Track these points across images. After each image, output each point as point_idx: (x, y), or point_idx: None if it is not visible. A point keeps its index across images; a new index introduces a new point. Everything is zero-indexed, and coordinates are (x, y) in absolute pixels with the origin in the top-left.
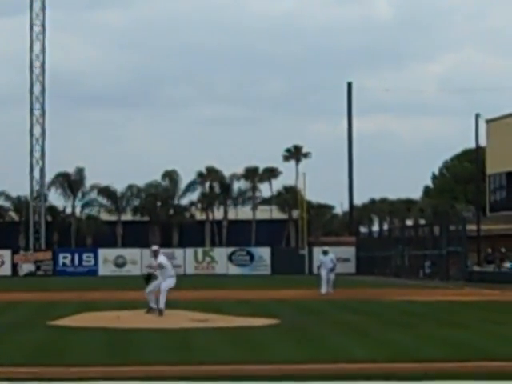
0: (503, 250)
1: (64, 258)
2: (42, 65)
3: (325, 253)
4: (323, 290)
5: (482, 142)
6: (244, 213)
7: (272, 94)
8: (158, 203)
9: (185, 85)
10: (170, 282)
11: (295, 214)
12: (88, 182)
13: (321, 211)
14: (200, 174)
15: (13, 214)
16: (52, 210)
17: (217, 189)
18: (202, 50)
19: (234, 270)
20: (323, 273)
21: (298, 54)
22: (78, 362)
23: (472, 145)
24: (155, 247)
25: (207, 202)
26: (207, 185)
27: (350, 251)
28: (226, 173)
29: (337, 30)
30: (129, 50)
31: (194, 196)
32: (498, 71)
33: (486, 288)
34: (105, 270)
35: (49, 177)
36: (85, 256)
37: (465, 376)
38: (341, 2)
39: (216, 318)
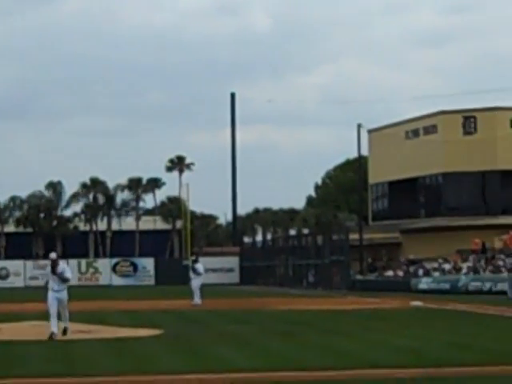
0: (385, 258)
1: None
2: None
3: (195, 261)
4: (199, 299)
5: (365, 152)
6: (128, 223)
7: (154, 104)
8: (42, 214)
9: (67, 96)
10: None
11: (179, 224)
12: None
13: (205, 221)
14: (84, 185)
15: None
16: None
17: (101, 200)
18: (83, 61)
19: (117, 280)
20: (198, 282)
21: (179, 65)
22: None
23: (354, 155)
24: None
25: (91, 212)
26: (91, 196)
27: (233, 261)
28: (110, 184)
29: (217, 41)
30: (8, 61)
31: (78, 207)
32: (377, 82)
33: (368, 296)
34: None
35: None
36: None
37: None
38: (220, 15)
39: (100, 329)
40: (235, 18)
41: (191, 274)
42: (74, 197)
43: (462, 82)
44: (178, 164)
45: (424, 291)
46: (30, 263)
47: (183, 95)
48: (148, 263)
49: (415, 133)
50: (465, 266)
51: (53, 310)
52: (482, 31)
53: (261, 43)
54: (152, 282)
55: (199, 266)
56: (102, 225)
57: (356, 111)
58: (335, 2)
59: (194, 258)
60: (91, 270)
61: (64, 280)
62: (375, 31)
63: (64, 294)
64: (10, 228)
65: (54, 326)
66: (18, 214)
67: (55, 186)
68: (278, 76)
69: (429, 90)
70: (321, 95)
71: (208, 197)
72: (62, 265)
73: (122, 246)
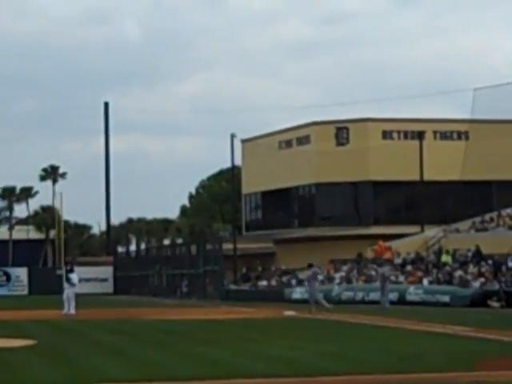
0: (260, 268)
1: None
2: None
3: (70, 271)
4: (74, 309)
5: (238, 162)
6: (1, 233)
7: (27, 113)
8: None
9: None
10: None
11: (52, 233)
12: None
13: (78, 231)
14: None
15: None
16: None
17: None
18: None
19: None
20: (72, 291)
21: (51, 73)
22: None
23: (228, 165)
24: None
25: None
26: None
27: (107, 271)
28: None
29: (88, 50)
30: None
31: None
32: (250, 92)
33: (242, 306)
34: None
35: None
36: None
37: None
38: (90, 23)
39: None
40: (105, 26)
41: (65, 284)
42: None
43: (334, 92)
44: (51, 173)
45: (297, 301)
46: None
47: (56, 104)
48: (21, 273)
49: (288, 143)
50: (338, 276)
51: None
52: (354, 42)
53: (133, 52)
54: (25, 291)
55: (73, 276)
56: None
57: (229, 121)
58: (207, 12)
59: (68, 267)
60: None
61: None
62: (247, 41)
63: None
64: None
65: None
66: None
67: None
68: (150, 85)
69: (302, 101)
70: (193, 104)
71: (82, 206)
72: None
73: None
